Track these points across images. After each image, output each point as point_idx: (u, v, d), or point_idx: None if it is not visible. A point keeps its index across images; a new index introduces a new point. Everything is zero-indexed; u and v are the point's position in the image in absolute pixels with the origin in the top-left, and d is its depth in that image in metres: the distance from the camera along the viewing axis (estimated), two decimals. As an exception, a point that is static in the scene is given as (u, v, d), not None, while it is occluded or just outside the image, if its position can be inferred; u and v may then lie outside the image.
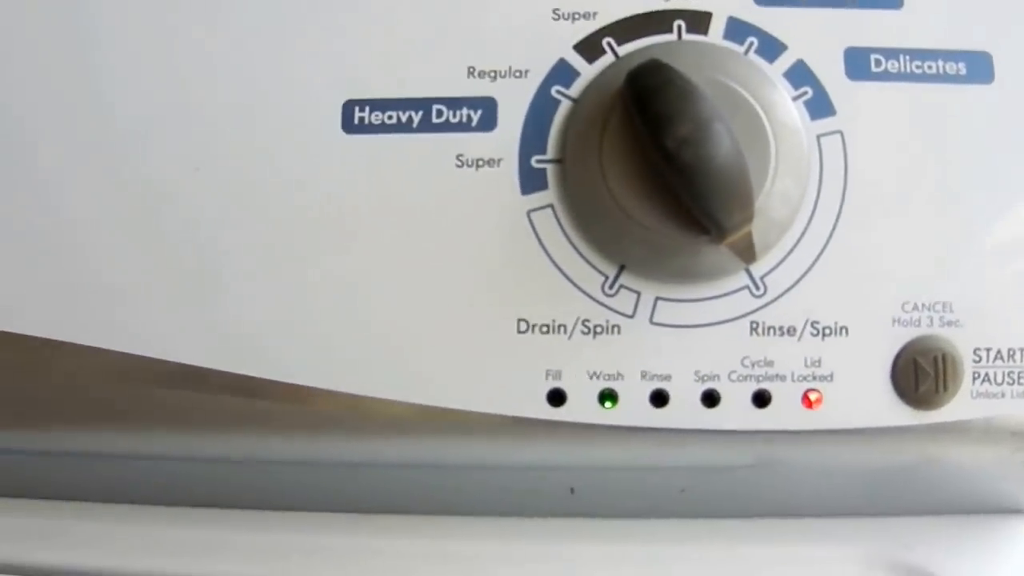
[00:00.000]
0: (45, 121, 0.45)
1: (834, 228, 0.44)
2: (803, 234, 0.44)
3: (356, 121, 0.44)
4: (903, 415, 0.44)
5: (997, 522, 0.49)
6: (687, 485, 0.47)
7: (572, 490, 0.46)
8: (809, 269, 0.44)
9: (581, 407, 0.44)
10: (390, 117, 0.44)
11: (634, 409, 0.44)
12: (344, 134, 0.44)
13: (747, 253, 0.42)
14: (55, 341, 0.44)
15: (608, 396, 0.44)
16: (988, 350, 0.44)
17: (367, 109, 0.44)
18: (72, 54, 0.46)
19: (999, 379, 0.44)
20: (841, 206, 0.44)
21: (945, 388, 0.44)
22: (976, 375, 0.44)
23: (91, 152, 0.45)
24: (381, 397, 0.43)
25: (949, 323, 0.44)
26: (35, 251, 0.45)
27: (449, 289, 0.44)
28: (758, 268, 0.43)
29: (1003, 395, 0.44)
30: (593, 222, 0.43)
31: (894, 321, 0.44)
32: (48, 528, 0.47)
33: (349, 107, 0.44)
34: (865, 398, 0.44)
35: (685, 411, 0.44)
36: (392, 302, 0.44)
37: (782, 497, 0.48)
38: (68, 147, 0.45)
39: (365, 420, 0.44)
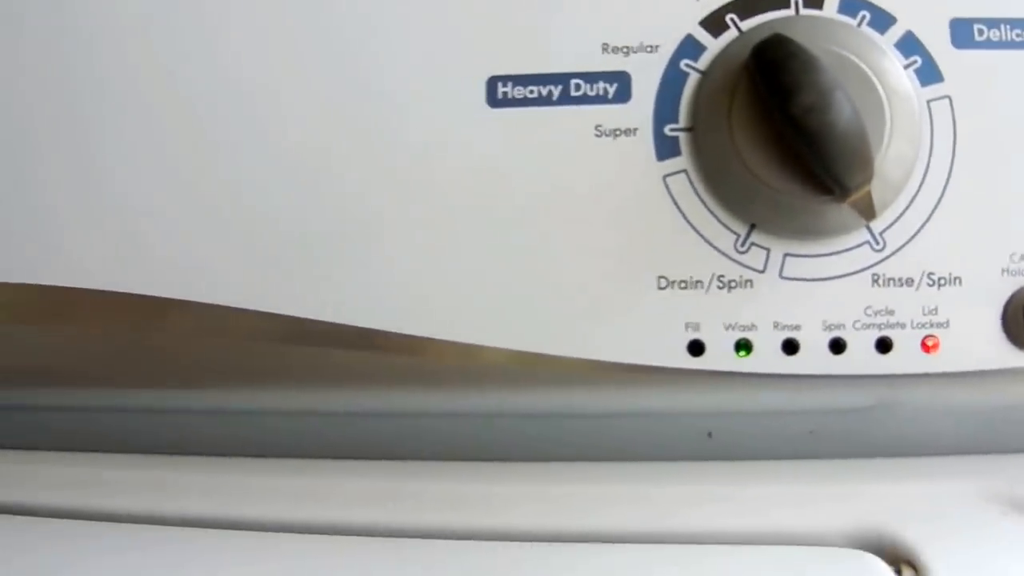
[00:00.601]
0: (216, 100, 0.49)
1: (946, 186, 0.47)
2: (917, 192, 0.47)
3: (500, 96, 0.48)
4: (1013, 358, 0.47)
5: None
6: (815, 427, 0.50)
7: (710, 434, 0.49)
8: (924, 225, 0.47)
9: (718, 356, 0.47)
10: (531, 91, 0.48)
11: (767, 357, 0.47)
12: (489, 108, 0.48)
13: (867, 211, 0.45)
14: (235, 308, 0.48)
15: (743, 346, 0.47)
16: None
17: (510, 84, 0.48)
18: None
19: None
20: (951, 166, 0.47)
21: None
22: None
23: (257, 128, 0.48)
24: (540, 352, 0.46)
25: None
26: (215, 224, 0.48)
27: (593, 250, 0.47)
28: (877, 225, 0.46)
29: None
30: (724, 185, 0.47)
31: (1003, 271, 0.47)
32: (223, 482, 0.50)
33: (493, 83, 0.48)
34: (978, 343, 0.47)
35: (814, 358, 0.47)
36: (541, 264, 0.47)
37: (902, 437, 0.50)
38: (242, 127, 0.48)
39: (526, 374, 0.47)
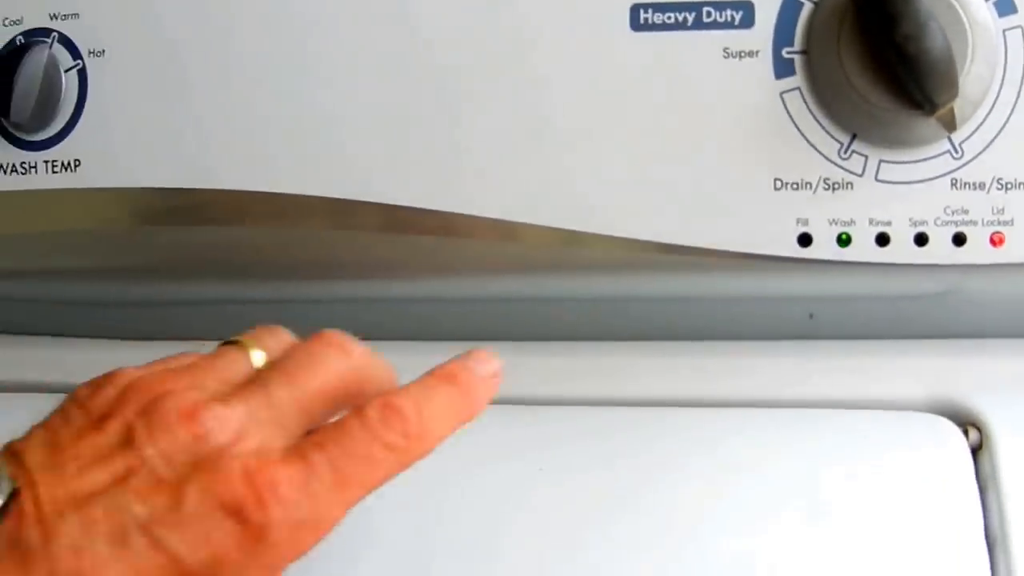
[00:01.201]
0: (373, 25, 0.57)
1: (1015, 104, 0.53)
2: (991, 109, 0.53)
3: (642, 21, 0.55)
4: None
5: None
6: (902, 308, 0.58)
7: (811, 315, 0.58)
8: (996, 137, 0.53)
9: (823, 247, 0.54)
10: (669, 17, 0.55)
11: (863, 248, 0.54)
12: (632, 32, 0.55)
13: (950, 124, 0.52)
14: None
15: (844, 238, 0.54)
16: None
17: (650, 11, 0.55)
18: None
19: None
20: (1021, 87, 0.54)
21: None
22: None
23: (405, 47, 0.56)
24: (673, 243, 0.54)
25: None
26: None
27: (720, 155, 0.54)
28: (957, 136, 0.53)
29: None
30: (832, 100, 0.54)
31: None
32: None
33: (635, 9, 0.55)
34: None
35: (901, 249, 0.53)
36: (674, 167, 0.54)
37: (972, 320, 0.58)
38: (388, 47, 0.56)
39: (661, 261, 0.55)
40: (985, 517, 0.51)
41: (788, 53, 0.54)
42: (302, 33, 0.56)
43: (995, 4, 0.54)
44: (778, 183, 0.54)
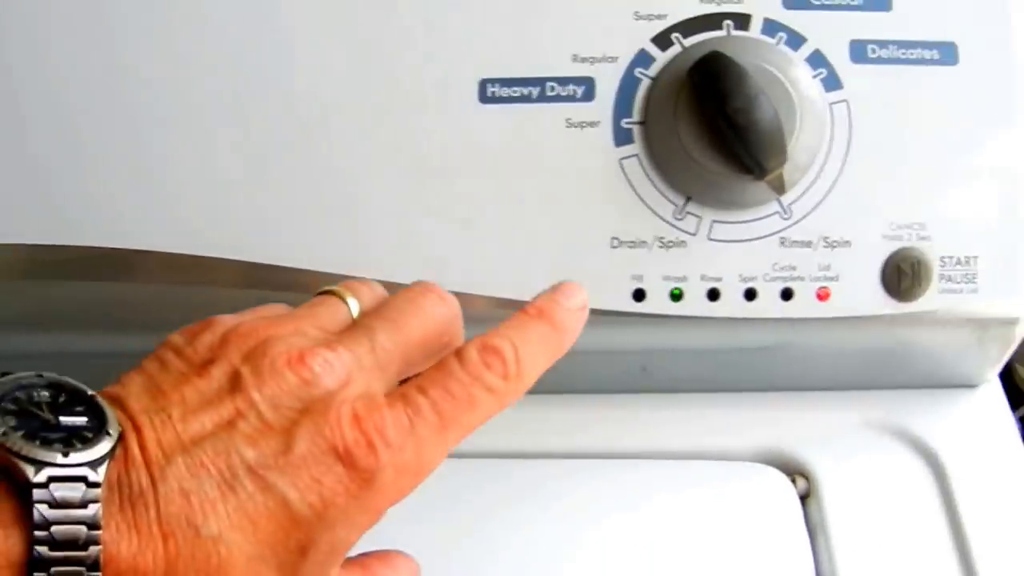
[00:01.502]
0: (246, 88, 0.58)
1: (841, 170, 0.56)
2: (819, 175, 0.56)
3: (489, 94, 0.56)
4: (889, 306, 0.56)
5: (958, 393, 0.61)
6: (732, 361, 0.60)
7: (644, 368, 0.60)
8: (823, 199, 0.56)
9: (657, 302, 0.56)
10: (515, 91, 0.56)
11: (695, 303, 0.56)
12: (480, 104, 0.56)
13: (779, 187, 0.54)
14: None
15: (674, 294, 0.57)
16: (951, 257, 0.55)
17: (497, 85, 0.56)
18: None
19: (958, 279, 0.55)
20: (847, 154, 0.55)
21: (919, 285, 0.55)
22: (942, 276, 0.55)
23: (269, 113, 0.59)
24: (516, 299, 0.56)
25: (923, 237, 0.55)
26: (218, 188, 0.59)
27: (560, 217, 0.56)
28: (786, 198, 0.55)
29: (961, 291, 0.56)
30: (668, 166, 0.56)
31: (884, 236, 0.55)
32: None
33: (483, 84, 0.56)
34: (862, 293, 0.55)
35: (731, 304, 0.56)
36: (518, 228, 0.57)
37: (800, 372, 0.61)
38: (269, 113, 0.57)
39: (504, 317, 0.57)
40: (816, 563, 0.54)
41: (627, 123, 0.56)
42: (159, 87, 0.56)
43: (822, 80, 0.57)
44: (615, 242, 0.57)
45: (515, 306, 0.52)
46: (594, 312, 0.52)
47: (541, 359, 0.41)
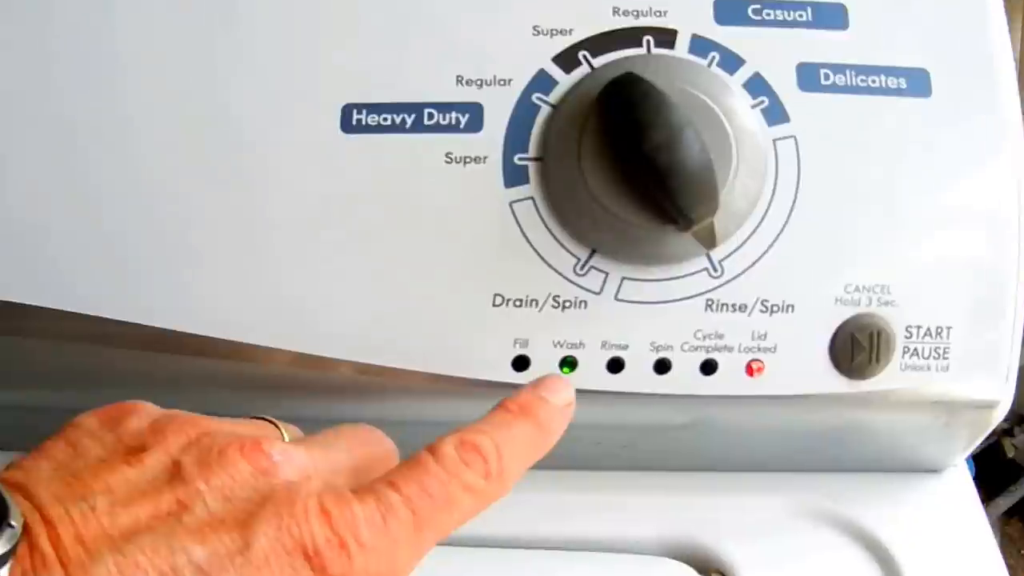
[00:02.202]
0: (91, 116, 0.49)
1: (787, 219, 0.48)
2: (759, 224, 0.48)
3: (354, 122, 0.48)
4: (837, 384, 0.49)
5: (916, 479, 0.55)
6: (633, 441, 0.52)
7: None
8: (763, 254, 0.48)
9: (542, 372, 0.48)
10: (385, 119, 0.48)
11: (590, 374, 0.48)
12: (343, 134, 0.48)
13: (709, 240, 0.46)
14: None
15: (568, 362, 0.48)
16: (918, 327, 0.48)
17: (364, 112, 0.48)
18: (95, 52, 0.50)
19: (926, 354, 0.49)
20: (794, 200, 0.48)
21: (878, 360, 0.49)
22: (906, 349, 0.49)
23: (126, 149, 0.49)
24: (385, 365, 0.48)
25: (886, 303, 0.48)
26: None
27: (436, 269, 0.48)
28: (717, 253, 0.48)
29: (928, 368, 0.49)
30: (569, 212, 0.47)
31: (837, 300, 0.48)
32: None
33: (348, 109, 0.48)
34: (804, 368, 0.48)
35: (637, 377, 0.48)
36: (386, 282, 0.48)
37: (721, 453, 0.53)
38: (113, 149, 0.49)
39: (372, 385, 0.49)
40: None
41: (521, 160, 0.48)
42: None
43: (764, 111, 0.48)
44: (498, 299, 0.48)
45: (380, 373, 0.47)
46: (471, 382, 0.48)
47: (523, 460, 0.38)
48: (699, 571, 0.51)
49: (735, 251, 0.48)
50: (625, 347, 0.48)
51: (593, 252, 0.48)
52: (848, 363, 0.49)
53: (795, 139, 0.48)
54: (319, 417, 0.48)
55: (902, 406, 0.50)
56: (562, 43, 0.48)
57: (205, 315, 0.48)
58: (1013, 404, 0.50)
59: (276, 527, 0.33)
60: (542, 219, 0.48)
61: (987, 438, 0.54)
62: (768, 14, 0.47)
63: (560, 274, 0.48)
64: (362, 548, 0.33)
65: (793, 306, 0.48)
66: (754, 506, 0.53)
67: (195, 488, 0.33)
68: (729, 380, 0.48)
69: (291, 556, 0.33)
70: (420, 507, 0.35)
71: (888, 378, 0.49)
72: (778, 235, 0.48)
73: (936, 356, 0.49)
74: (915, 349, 0.49)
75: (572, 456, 0.49)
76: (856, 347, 0.49)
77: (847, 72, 0.48)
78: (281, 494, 0.34)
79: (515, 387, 0.44)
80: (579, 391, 0.44)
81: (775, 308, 0.48)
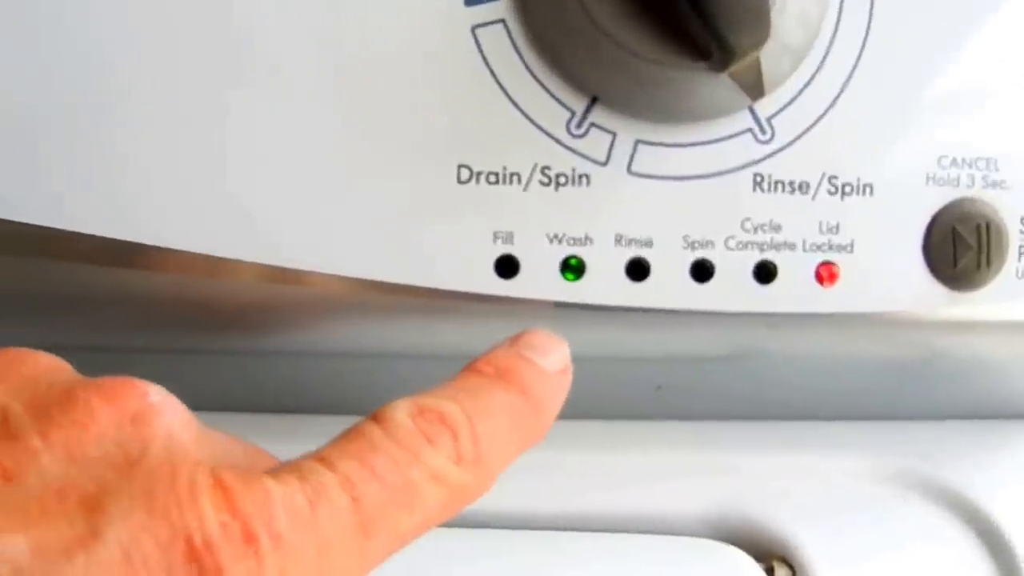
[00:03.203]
0: None
1: (858, 61, 0.34)
2: (820, 66, 0.34)
3: None
4: (937, 296, 0.35)
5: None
6: (666, 381, 0.37)
7: None
8: (827, 111, 0.34)
9: (537, 279, 0.33)
10: None
11: (605, 282, 0.34)
12: None
13: (754, 86, 0.32)
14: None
15: (572, 265, 0.34)
16: None
17: None
18: None
19: None
20: (867, 33, 0.34)
21: (988, 263, 0.35)
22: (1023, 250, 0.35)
23: None
24: (298, 268, 0.33)
25: (994, 184, 0.35)
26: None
27: (371, 128, 0.33)
28: (765, 107, 0.33)
29: None
30: (557, 42, 0.33)
31: (928, 179, 0.35)
32: None
33: None
34: (892, 274, 0.35)
35: (669, 286, 0.34)
36: (296, 152, 0.33)
37: (781, 396, 0.39)
38: None
39: (282, 297, 0.33)
40: None
41: None
42: None
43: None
44: (464, 173, 0.33)
45: (296, 280, 0.33)
46: (436, 292, 0.34)
47: (508, 443, 0.27)
48: (757, 558, 0.37)
49: (789, 104, 0.34)
50: (648, 243, 0.34)
51: (594, 101, 0.33)
52: (950, 267, 0.35)
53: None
54: (215, 348, 0.33)
55: (1018, 328, 0.37)
56: None
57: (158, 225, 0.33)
58: None
59: (145, 508, 0.22)
60: (517, 52, 0.33)
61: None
62: None
63: (548, 134, 0.33)
64: (277, 544, 0.22)
65: (871, 186, 0.35)
66: (825, 468, 0.39)
67: (26, 446, 0.23)
68: (793, 290, 0.34)
69: (165, 553, 0.21)
70: (365, 495, 0.24)
71: (1002, 288, 0.35)
72: (846, 83, 0.34)
73: (1067, 257, 0.35)
74: (1036, 249, 0.34)
75: (586, 401, 0.35)
76: (959, 244, 0.35)
77: None
78: (157, 457, 0.23)
79: (501, 302, 0.32)
80: (590, 307, 0.33)
81: (848, 188, 0.34)
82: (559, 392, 0.29)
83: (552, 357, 0.29)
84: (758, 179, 0.34)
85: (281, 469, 0.24)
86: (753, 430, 0.40)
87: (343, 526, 0.24)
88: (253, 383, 0.38)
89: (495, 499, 0.37)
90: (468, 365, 0.28)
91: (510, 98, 0.33)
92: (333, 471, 0.24)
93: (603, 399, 0.38)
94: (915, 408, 0.40)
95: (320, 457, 0.24)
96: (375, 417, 0.25)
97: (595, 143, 0.33)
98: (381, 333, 0.35)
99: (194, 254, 0.33)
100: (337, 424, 0.26)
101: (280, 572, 0.22)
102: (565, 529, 0.37)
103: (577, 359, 0.31)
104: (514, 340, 0.29)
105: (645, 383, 0.38)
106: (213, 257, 0.33)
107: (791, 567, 0.37)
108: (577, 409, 0.37)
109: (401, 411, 0.26)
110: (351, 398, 0.34)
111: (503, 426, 0.27)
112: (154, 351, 0.36)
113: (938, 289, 0.35)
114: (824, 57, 0.34)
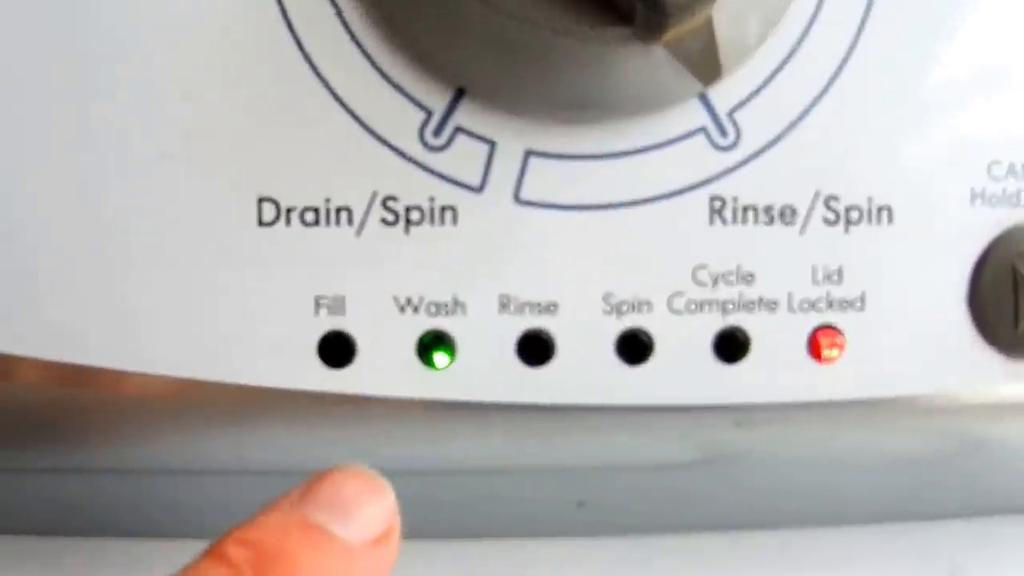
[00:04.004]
0: None
1: (863, 22, 0.24)
2: (806, 32, 0.23)
3: None
4: (990, 367, 0.25)
5: None
6: (587, 496, 0.27)
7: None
8: (818, 99, 0.24)
9: (383, 366, 0.23)
10: None
11: (486, 368, 0.23)
12: None
13: (705, 62, 0.22)
14: None
15: (436, 344, 0.23)
16: None
17: None
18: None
19: None
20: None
21: None
22: None
23: None
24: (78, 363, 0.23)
25: None
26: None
27: (147, 141, 0.22)
28: (725, 95, 0.23)
29: None
30: (404, 10, 0.22)
31: (975, 196, 0.24)
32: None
33: None
34: (923, 340, 0.24)
35: (585, 371, 0.24)
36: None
37: (750, 506, 0.28)
38: None
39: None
40: None
41: None
42: None
43: None
44: (269, 211, 0.23)
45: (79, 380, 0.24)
46: (241, 392, 0.23)
47: None
48: None
49: (761, 90, 0.23)
50: (550, 308, 0.23)
51: (460, 95, 0.23)
52: (1008, 325, 0.25)
53: None
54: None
55: None
56: None
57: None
58: None
59: None
60: (343, 22, 0.22)
61: None
62: None
63: (392, 147, 0.23)
64: None
65: (890, 208, 0.24)
66: None
67: None
68: (776, 370, 0.24)
69: None
70: None
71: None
72: (846, 54, 0.24)
73: None
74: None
75: (486, 517, 0.28)
76: (1022, 292, 0.24)
77: None
78: None
79: (331, 402, 0.23)
80: (465, 405, 0.23)
81: (854, 215, 0.24)
82: (374, 567, 0.20)
83: (359, 520, 0.19)
84: (717, 204, 0.23)
85: None
86: (712, 544, 0.29)
87: None
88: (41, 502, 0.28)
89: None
90: (217, 541, 0.19)
91: (331, 90, 0.22)
92: None
93: (509, 513, 0.27)
94: (944, 506, 0.30)
95: None
96: (206, 555, 0.19)
97: (463, 158, 0.23)
98: (185, 444, 0.24)
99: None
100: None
101: None
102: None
103: (459, 472, 0.21)
104: (304, 491, 0.19)
105: (563, 498, 0.26)
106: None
107: None
108: (479, 527, 0.26)
109: (230, 545, 0.19)
110: (160, 519, 0.27)
111: None
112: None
113: (992, 358, 0.25)
114: (812, 17, 0.23)
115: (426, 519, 0.21)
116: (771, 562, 0.30)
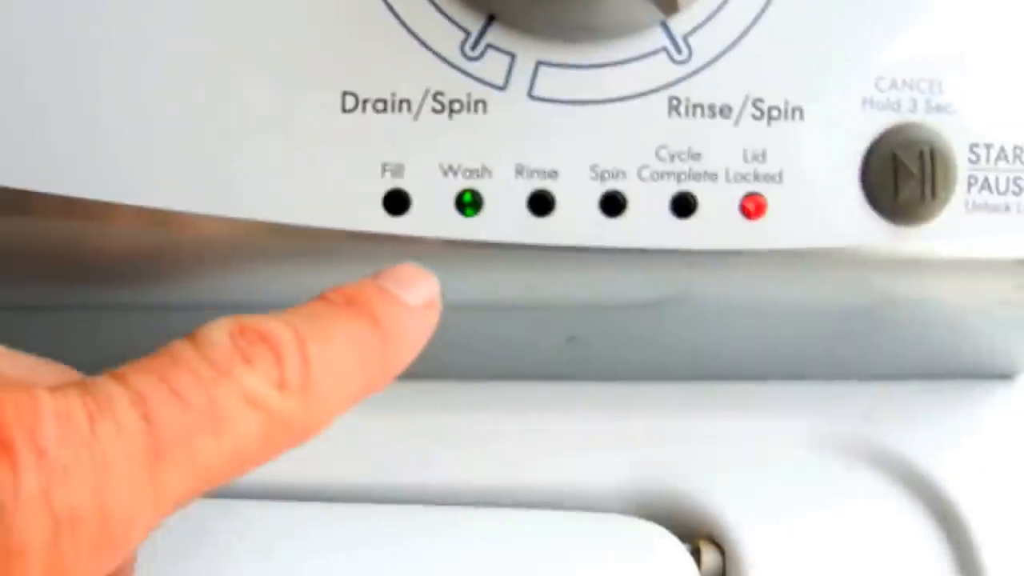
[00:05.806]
0: None
1: None
2: None
3: None
4: (877, 230, 0.31)
5: (984, 390, 0.37)
6: (579, 331, 0.33)
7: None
8: (751, 26, 0.30)
9: (430, 214, 0.29)
10: None
11: (505, 218, 0.30)
12: None
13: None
14: None
15: (469, 200, 0.30)
16: (989, 147, 0.31)
17: None
18: None
19: (1002, 186, 0.31)
20: None
21: (933, 195, 0.31)
22: (973, 179, 0.31)
23: None
24: (171, 209, 0.29)
25: (939, 108, 0.31)
26: None
27: (248, 53, 0.29)
28: (681, 22, 0.30)
29: (1007, 208, 0.31)
30: None
31: (865, 102, 0.30)
32: None
33: None
34: (826, 206, 0.30)
35: (576, 221, 0.30)
36: (181, 77, 0.29)
37: (702, 351, 0.34)
38: None
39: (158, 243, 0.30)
40: None
41: None
42: None
43: None
44: (349, 101, 0.29)
45: (166, 222, 0.30)
46: (325, 234, 0.30)
47: (349, 374, 0.23)
48: (681, 537, 0.33)
49: (709, 19, 0.30)
50: (553, 174, 0.30)
51: (490, 20, 0.29)
52: (890, 198, 0.31)
53: None
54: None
55: (968, 266, 0.32)
56: None
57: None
58: None
59: None
60: None
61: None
62: None
63: (440, 56, 0.29)
64: (41, 459, 0.19)
65: (801, 109, 0.30)
66: (755, 434, 0.35)
67: None
68: (716, 225, 0.30)
69: None
70: (158, 413, 0.21)
71: (949, 222, 0.31)
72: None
73: (1017, 190, 0.31)
74: (985, 179, 0.31)
75: (491, 357, 0.33)
76: (901, 173, 0.30)
77: None
78: None
79: (391, 240, 0.29)
80: (488, 245, 0.29)
81: (775, 112, 0.30)
82: (419, 328, 0.25)
83: (415, 290, 0.25)
84: (674, 103, 0.30)
85: (68, 385, 0.21)
86: (676, 391, 0.35)
87: (128, 446, 0.21)
88: (127, 339, 0.34)
89: (384, 472, 0.33)
90: (322, 295, 0.25)
91: (398, 18, 0.29)
92: (124, 386, 0.21)
93: (510, 353, 0.33)
94: (857, 365, 0.36)
95: (115, 373, 0.21)
96: (190, 334, 0.22)
97: (492, 66, 0.29)
98: (258, 280, 0.31)
99: (64, 198, 0.29)
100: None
101: (42, 490, 0.20)
102: (464, 505, 0.33)
103: (478, 307, 0.27)
104: (376, 274, 0.25)
105: (555, 334, 0.33)
106: (86, 201, 0.29)
107: (720, 547, 0.33)
108: (480, 367, 0.33)
109: (220, 329, 0.22)
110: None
111: (343, 355, 0.23)
112: (34, 308, 0.33)
113: (878, 223, 0.31)
114: (747, -32, 0.29)
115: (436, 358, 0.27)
116: (711, 406, 0.37)
